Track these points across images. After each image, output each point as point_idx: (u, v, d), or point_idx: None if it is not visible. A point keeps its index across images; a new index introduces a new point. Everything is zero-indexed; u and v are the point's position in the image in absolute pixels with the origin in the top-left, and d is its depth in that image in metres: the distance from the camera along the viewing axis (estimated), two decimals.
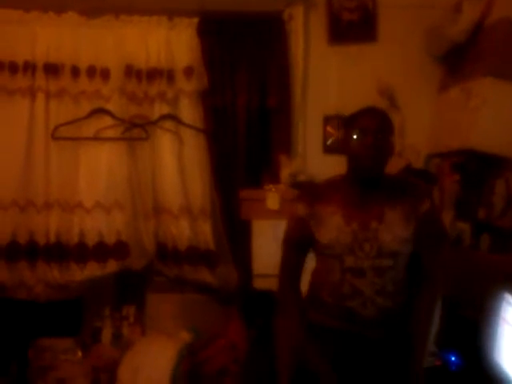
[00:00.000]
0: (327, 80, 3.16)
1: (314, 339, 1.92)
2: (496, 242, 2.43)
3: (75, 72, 3.07)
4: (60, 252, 3.09)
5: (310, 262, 1.99)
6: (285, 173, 3.03)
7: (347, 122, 1.93)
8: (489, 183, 2.49)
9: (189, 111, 3.13)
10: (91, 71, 3.07)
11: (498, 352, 2.05)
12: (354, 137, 1.82)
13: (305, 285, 2.00)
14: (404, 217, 1.85)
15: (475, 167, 2.57)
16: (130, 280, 3.19)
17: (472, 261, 2.52)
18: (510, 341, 1.98)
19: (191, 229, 3.14)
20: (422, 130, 3.07)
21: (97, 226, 3.10)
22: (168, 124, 3.13)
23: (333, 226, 1.85)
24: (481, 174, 2.54)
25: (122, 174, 3.11)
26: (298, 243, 1.96)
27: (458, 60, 2.85)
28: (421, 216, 1.87)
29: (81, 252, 3.09)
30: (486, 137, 2.49)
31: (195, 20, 3.10)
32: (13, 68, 3.04)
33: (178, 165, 3.14)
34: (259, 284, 2.86)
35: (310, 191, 2.03)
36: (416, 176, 2.85)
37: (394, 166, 2.97)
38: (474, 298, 2.35)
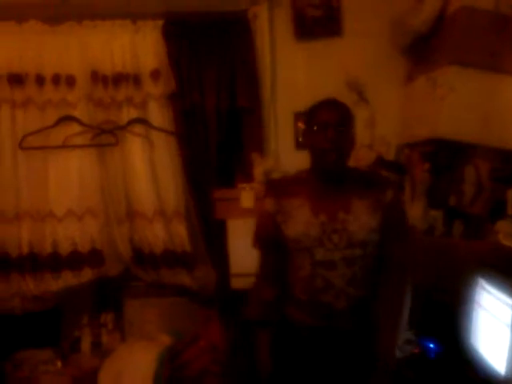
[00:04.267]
0: (295, 76, 3.17)
1: (287, 335, 1.94)
2: (468, 229, 2.45)
3: (40, 81, 3.03)
4: (33, 263, 3.05)
5: None
6: (258, 171, 3.03)
7: (308, 116, 1.93)
8: (458, 170, 2.51)
9: (158, 114, 3.11)
10: (56, 79, 3.03)
11: (475, 337, 2.07)
12: (315, 130, 1.83)
13: None
14: (370, 207, 1.86)
15: (444, 155, 2.59)
16: (108, 287, 3.16)
17: (446, 248, 2.54)
18: (485, 325, 2.00)
19: (166, 232, 3.12)
20: (392, 122, 3.07)
21: (70, 235, 3.07)
22: (137, 128, 3.10)
23: (301, 219, 1.85)
24: (450, 162, 2.56)
25: (93, 181, 3.07)
26: (269, 241, 1.95)
27: (423, 50, 2.87)
28: (385, 206, 1.88)
29: (55, 262, 3.06)
30: (453, 125, 2.50)
31: (160, 22, 3.07)
32: None
33: (150, 168, 3.11)
34: (236, 283, 2.85)
35: (276, 186, 2.02)
36: (387, 168, 2.87)
37: (365, 159, 2.99)
38: (450, 284, 2.37)
